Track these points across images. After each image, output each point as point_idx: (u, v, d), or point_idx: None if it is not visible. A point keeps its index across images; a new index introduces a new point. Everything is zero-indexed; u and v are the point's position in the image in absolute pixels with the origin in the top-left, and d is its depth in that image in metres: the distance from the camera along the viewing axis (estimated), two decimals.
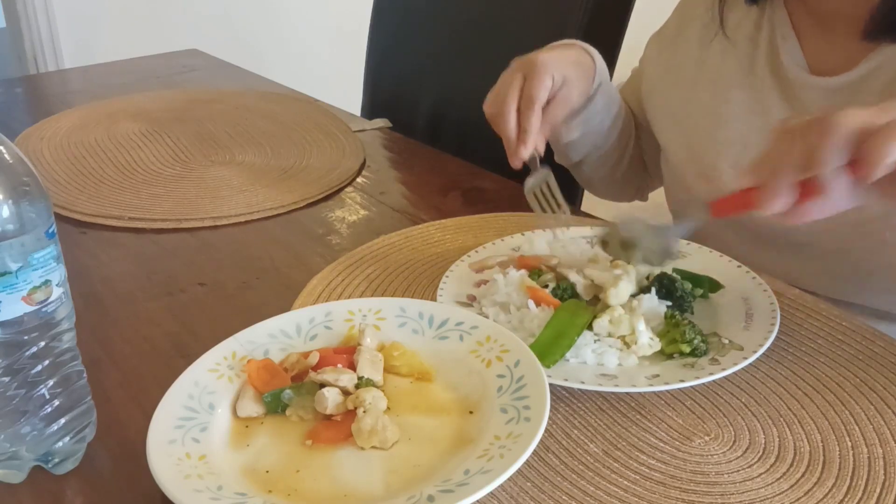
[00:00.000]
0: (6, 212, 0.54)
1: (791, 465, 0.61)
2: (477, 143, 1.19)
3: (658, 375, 0.68)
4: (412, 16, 1.54)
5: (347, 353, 0.68)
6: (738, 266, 0.82)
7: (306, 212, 1.05)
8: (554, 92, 0.87)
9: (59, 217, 0.93)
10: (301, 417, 0.64)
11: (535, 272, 0.80)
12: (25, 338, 0.58)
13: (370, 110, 1.61)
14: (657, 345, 0.72)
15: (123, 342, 0.78)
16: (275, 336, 0.71)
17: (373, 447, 0.61)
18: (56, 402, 0.60)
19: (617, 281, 0.74)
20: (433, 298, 0.79)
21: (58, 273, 0.58)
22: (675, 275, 0.78)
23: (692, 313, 0.76)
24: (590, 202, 1.23)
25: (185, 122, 1.34)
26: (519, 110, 0.86)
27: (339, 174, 1.14)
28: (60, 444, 0.61)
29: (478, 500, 0.54)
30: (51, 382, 0.60)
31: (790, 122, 0.64)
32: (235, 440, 0.63)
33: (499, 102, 0.87)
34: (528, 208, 0.90)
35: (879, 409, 0.66)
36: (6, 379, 0.58)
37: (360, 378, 0.65)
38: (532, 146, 0.85)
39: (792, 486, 0.59)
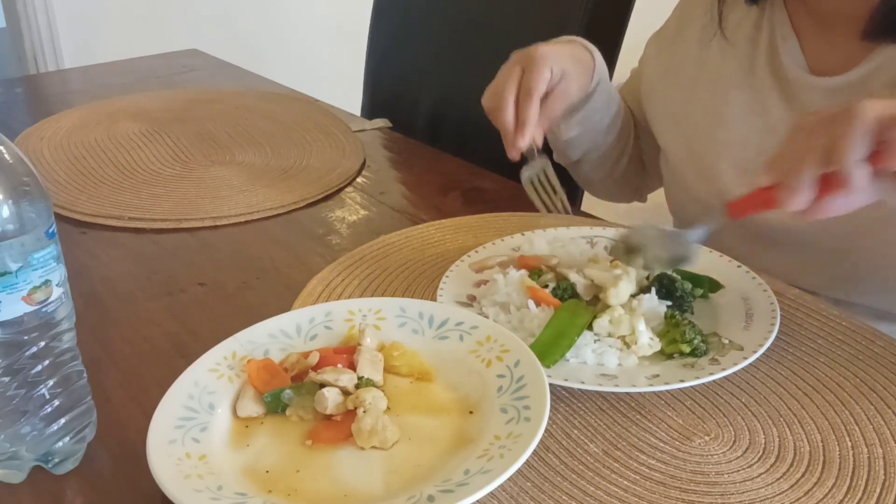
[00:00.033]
0: (6, 212, 0.54)
1: (791, 465, 0.61)
2: (477, 143, 1.19)
3: (658, 375, 0.68)
4: (412, 16, 1.54)
5: (347, 353, 0.68)
6: (738, 266, 0.82)
7: (306, 212, 1.05)
8: (553, 85, 0.87)
9: (59, 217, 0.93)
10: (301, 417, 0.64)
11: (535, 272, 0.80)
12: (25, 338, 0.58)
13: (370, 110, 1.61)
14: (657, 345, 0.72)
15: (123, 342, 0.78)
16: (275, 336, 0.71)
17: (373, 447, 0.61)
18: (56, 402, 0.60)
19: (617, 281, 0.74)
20: (433, 298, 0.79)
21: (58, 273, 0.58)
22: (675, 275, 0.78)
23: (692, 313, 0.76)
24: (589, 202, 1.23)
25: (185, 122, 1.34)
26: (517, 102, 0.86)
27: (339, 174, 1.14)
28: (60, 444, 0.61)
29: (478, 500, 0.54)
30: (51, 382, 0.60)
31: (806, 119, 0.64)
32: (235, 440, 0.62)
33: (497, 95, 0.87)
34: (528, 209, 0.90)
35: (879, 409, 0.66)
36: (6, 379, 0.58)
37: (360, 378, 0.65)
38: (530, 137, 0.85)
39: (792, 486, 0.59)
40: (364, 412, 0.62)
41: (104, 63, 1.75)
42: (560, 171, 0.97)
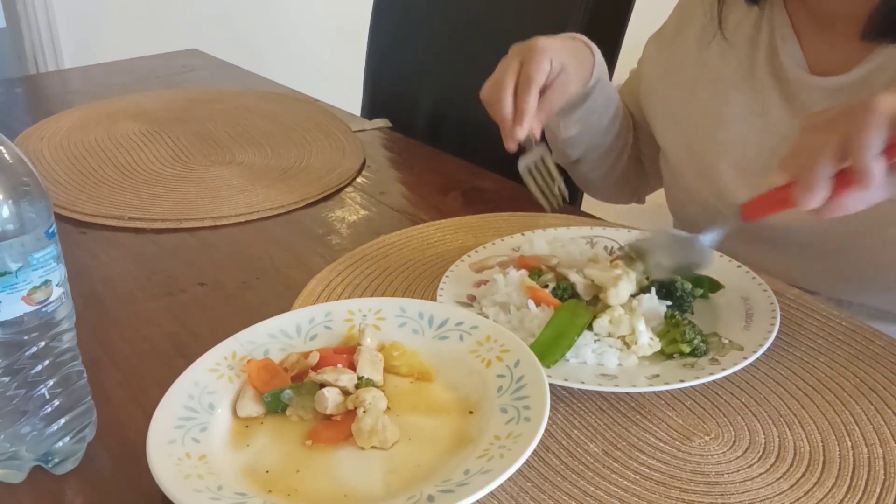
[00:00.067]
0: (6, 212, 0.54)
1: (791, 465, 0.61)
2: (477, 143, 1.19)
3: (658, 375, 0.68)
4: (412, 16, 1.54)
5: (347, 353, 0.68)
6: (738, 266, 0.82)
7: (306, 212, 1.05)
8: (552, 78, 0.87)
9: (59, 217, 0.93)
10: (301, 417, 0.64)
11: (535, 272, 0.80)
12: (25, 338, 0.58)
13: (370, 110, 1.61)
14: (657, 345, 0.72)
15: (123, 342, 0.78)
16: (275, 336, 0.71)
17: (373, 447, 0.61)
18: (56, 402, 0.60)
19: (617, 281, 0.74)
20: (433, 298, 0.79)
21: (58, 273, 0.58)
22: (674, 275, 0.78)
23: (692, 313, 0.76)
24: (589, 202, 1.23)
25: (185, 122, 1.34)
26: (516, 93, 0.85)
27: (339, 174, 1.14)
28: (60, 444, 0.61)
29: (478, 500, 0.54)
30: (51, 382, 0.60)
31: (818, 116, 0.64)
32: (235, 440, 0.63)
33: (496, 86, 0.86)
34: (528, 208, 0.90)
35: (879, 409, 0.66)
36: (6, 379, 0.58)
37: (360, 378, 0.65)
38: (528, 126, 0.84)
39: (792, 486, 0.59)
40: (364, 412, 0.62)
41: (104, 63, 1.75)
42: (560, 171, 0.97)
